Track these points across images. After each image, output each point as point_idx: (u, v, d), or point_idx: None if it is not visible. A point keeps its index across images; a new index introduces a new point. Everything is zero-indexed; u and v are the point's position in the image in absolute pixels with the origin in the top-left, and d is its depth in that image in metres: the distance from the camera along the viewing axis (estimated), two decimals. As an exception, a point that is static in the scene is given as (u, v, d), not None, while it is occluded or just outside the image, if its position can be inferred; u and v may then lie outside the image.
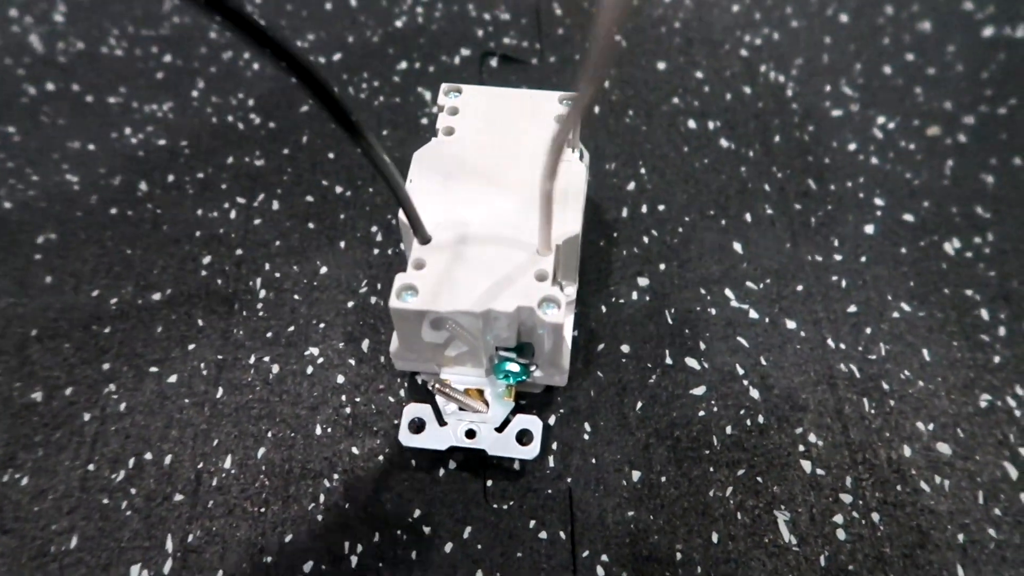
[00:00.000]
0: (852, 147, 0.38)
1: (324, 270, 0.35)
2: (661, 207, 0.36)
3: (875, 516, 0.28)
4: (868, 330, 0.33)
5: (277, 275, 0.35)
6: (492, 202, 0.29)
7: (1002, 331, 0.32)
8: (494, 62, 0.42)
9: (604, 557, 0.28)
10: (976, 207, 0.36)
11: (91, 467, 0.30)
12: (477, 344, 0.28)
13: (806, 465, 0.29)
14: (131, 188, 0.38)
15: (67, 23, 0.45)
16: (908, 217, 0.36)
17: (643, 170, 0.38)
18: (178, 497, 0.29)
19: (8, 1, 0.46)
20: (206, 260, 0.35)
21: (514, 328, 0.28)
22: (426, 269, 0.27)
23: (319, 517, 0.29)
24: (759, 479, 0.29)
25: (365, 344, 0.33)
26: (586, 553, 0.28)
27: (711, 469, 0.30)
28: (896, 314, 0.33)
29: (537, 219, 0.27)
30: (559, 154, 0.24)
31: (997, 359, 0.32)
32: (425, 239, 0.28)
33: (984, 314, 0.33)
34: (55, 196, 0.38)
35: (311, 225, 0.36)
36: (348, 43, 0.43)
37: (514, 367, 0.29)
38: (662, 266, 0.35)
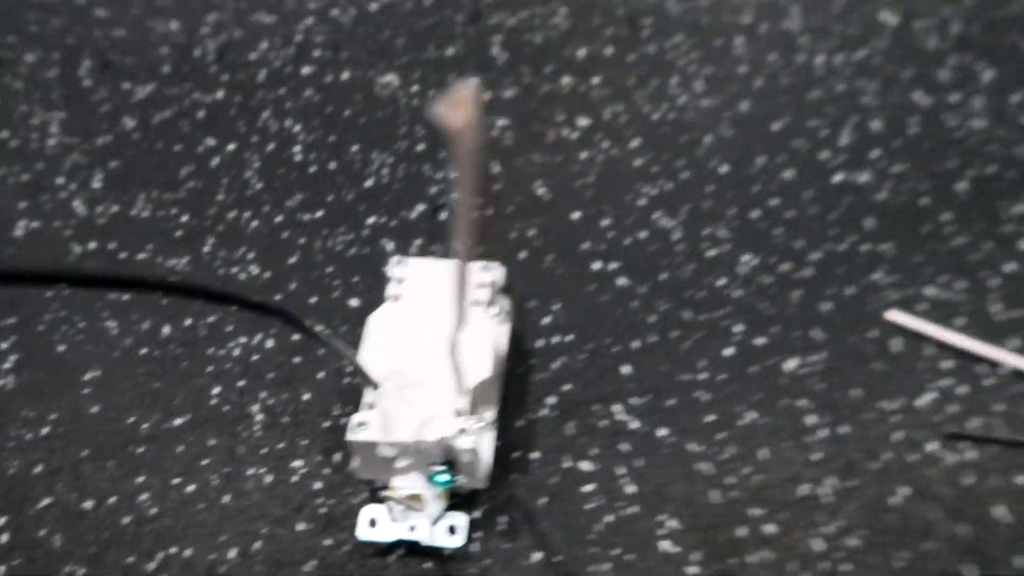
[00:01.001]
0: (721, 282, 0.48)
1: (307, 396, 0.45)
2: (569, 338, 0.47)
3: (714, 584, 0.38)
4: (721, 435, 0.42)
5: (271, 402, 0.45)
6: (427, 354, 0.39)
7: (823, 434, 0.42)
8: (443, 215, 0.53)
9: (511, 620, 0.38)
10: (813, 331, 0.46)
11: (131, 559, 0.40)
12: (417, 461, 0.38)
13: (665, 544, 0.39)
14: (156, 331, 0.48)
15: (104, 189, 0.56)
16: (760, 341, 0.46)
17: (557, 306, 0.48)
18: (197, 581, 0.39)
19: (56, 170, 0.57)
20: (216, 391, 0.46)
21: (441, 449, 0.38)
22: (375, 409, 0.38)
23: (301, 594, 0.39)
24: (626, 558, 0.39)
25: (337, 457, 0.43)
26: (498, 617, 0.38)
27: (597, 550, 0.39)
28: (743, 422, 0.43)
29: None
30: (460, 323, 0.34)
31: (816, 456, 0.41)
32: (375, 386, 0.38)
33: (810, 420, 0.43)
34: (98, 339, 0.48)
35: (297, 360, 0.47)
36: (328, 201, 0.54)
37: (444, 477, 0.38)
38: (566, 387, 0.45)
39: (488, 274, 0.42)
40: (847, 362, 0.45)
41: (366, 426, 0.37)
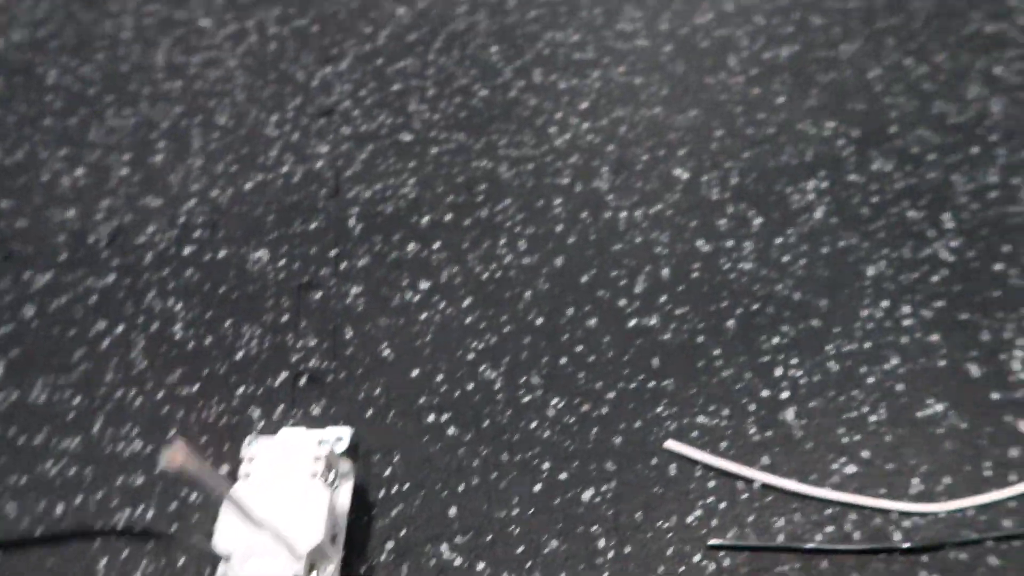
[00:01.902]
0: (533, 424, 0.58)
1: (181, 562, 0.53)
2: (406, 486, 0.55)
3: None
4: (528, 563, 0.51)
5: (150, 569, 0.53)
6: (270, 525, 0.48)
7: (611, 555, 0.51)
8: (303, 382, 0.62)
9: None
10: (607, 463, 0.55)
11: None
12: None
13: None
14: (51, 510, 0.56)
15: (4, 377, 0.64)
16: (563, 476, 0.55)
17: (396, 458, 0.57)
18: None
19: (-38, 362, 0.64)
20: (103, 562, 0.53)
21: (285, 607, 0.46)
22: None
23: None
24: None
25: (208, 612, 0.51)
26: None
27: (423, 674, 0.47)
28: (547, 550, 0.52)
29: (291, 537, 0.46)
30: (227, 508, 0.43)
31: (605, 575, 0.51)
32: (226, 558, 0.46)
33: (600, 544, 0.52)
34: (2, 521, 0.56)
35: (174, 527, 0.55)
36: (203, 375, 0.63)
37: (291, 628, 0.47)
38: (403, 531, 0.53)
39: (322, 447, 0.51)
40: (632, 489, 0.54)
41: (218, 592, 0.45)
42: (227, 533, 0.47)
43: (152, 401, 0.61)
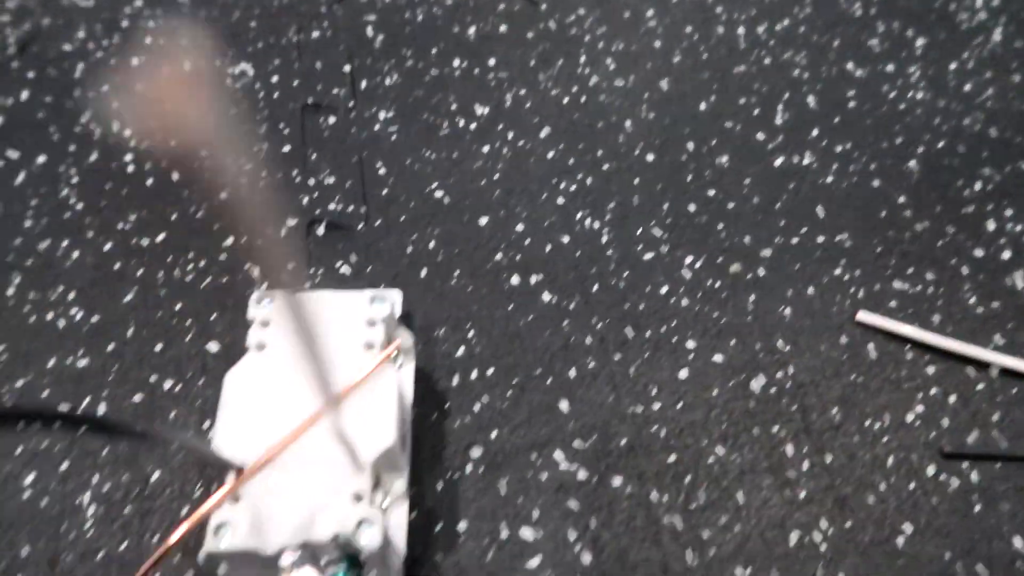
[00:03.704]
0: (664, 290, 0.40)
1: (156, 475, 0.35)
2: (490, 371, 0.38)
3: (703, 677, 0.30)
4: (687, 478, 0.35)
5: (106, 487, 0.34)
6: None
7: (805, 465, 0.35)
8: (321, 230, 0.43)
9: None
10: (777, 341, 0.39)
11: None
12: (306, 555, 0.29)
13: (637, 632, 0.31)
14: (-57, 406, 0.36)
15: None
16: (717, 358, 0.38)
17: (471, 333, 0.39)
18: None
19: None
20: (28, 479, 0.34)
21: (338, 546, 0.28)
22: (242, 502, 0.28)
23: None
24: (593, 655, 0.30)
25: (201, 556, 0.32)
26: None
27: (550, 647, 0.31)
28: (711, 459, 0.35)
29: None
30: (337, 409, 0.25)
31: (803, 494, 0.34)
32: (238, 470, 0.28)
33: (789, 450, 0.35)
34: None
35: (139, 428, 0.36)
36: (171, 221, 0.43)
37: (345, 578, 0.29)
38: (493, 433, 0.36)
39: (379, 306, 0.32)
40: (819, 376, 0.38)
41: (229, 528, 0.27)
42: (239, 428, 0.29)
43: (96, 255, 0.42)
